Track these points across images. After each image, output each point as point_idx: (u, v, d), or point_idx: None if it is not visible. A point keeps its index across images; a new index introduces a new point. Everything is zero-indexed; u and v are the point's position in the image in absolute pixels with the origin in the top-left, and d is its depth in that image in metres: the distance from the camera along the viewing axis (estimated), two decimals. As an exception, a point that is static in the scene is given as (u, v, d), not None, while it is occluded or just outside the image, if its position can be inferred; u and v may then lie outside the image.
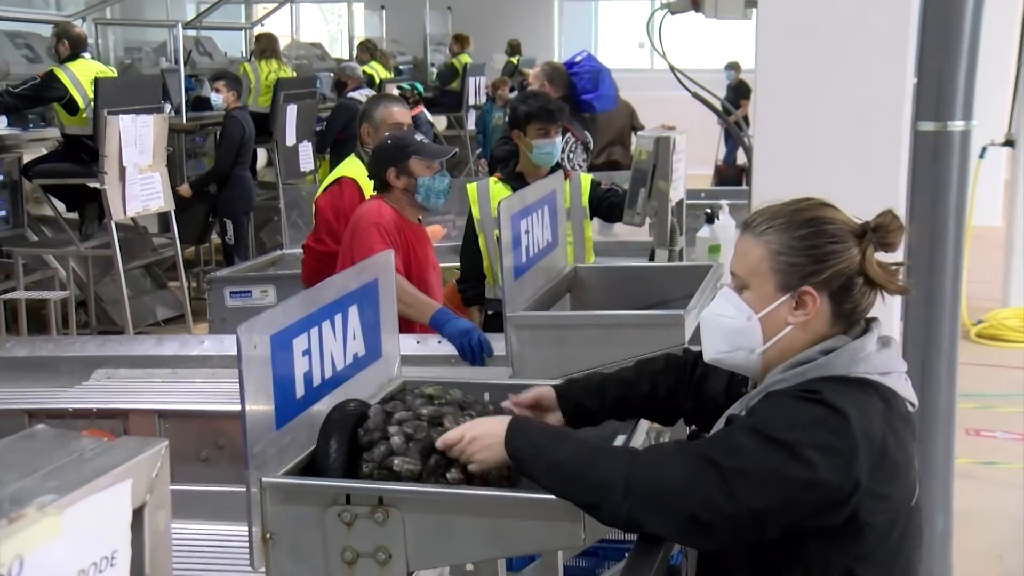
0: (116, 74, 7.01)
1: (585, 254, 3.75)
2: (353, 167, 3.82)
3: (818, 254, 1.61)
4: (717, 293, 1.74)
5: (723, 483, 1.49)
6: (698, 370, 1.88)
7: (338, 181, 3.79)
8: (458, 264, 3.91)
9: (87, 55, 6.51)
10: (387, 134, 3.54)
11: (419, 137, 3.37)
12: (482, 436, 1.65)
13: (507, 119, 3.93)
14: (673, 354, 1.94)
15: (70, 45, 6.27)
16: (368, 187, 3.56)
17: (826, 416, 1.53)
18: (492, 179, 3.82)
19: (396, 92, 8.57)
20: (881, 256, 1.65)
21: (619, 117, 7.53)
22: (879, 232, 1.63)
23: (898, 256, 1.70)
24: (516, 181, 3.65)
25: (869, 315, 1.67)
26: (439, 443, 1.68)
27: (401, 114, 3.90)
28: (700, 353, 1.80)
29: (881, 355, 1.63)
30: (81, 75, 6.15)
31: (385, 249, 2.10)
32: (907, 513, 1.63)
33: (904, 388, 1.66)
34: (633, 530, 1.63)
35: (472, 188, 3.76)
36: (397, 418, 1.73)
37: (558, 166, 3.81)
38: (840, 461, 1.51)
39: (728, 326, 1.66)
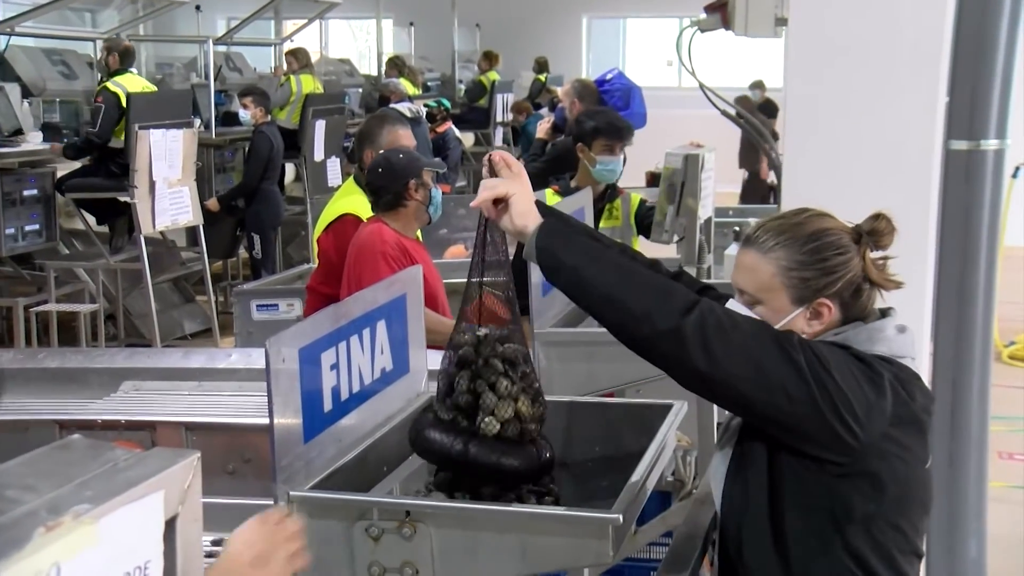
0: (156, 89, 7.09)
1: None
2: (353, 201, 3.60)
3: (828, 267, 1.68)
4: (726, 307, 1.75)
5: (792, 365, 1.56)
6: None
7: (340, 219, 3.57)
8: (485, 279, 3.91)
9: (134, 70, 6.60)
10: (387, 150, 3.45)
11: None
12: (521, 203, 1.64)
13: (573, 132, 3.95)
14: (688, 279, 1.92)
15: (120, 58, 6.38)
16: None
17: (860, 364, 1.62)
18: (549, 191, 3.84)
19: (424, 109, 8.66)
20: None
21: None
22: (873, 236, 1.71)
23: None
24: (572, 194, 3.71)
25: (884, 306, 1.75)
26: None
27: (407, 137, 3.75)
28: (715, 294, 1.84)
29: (898, 339, 1.70)
30: (129, 89, 6.23)
31: None
32: (922, 474, 1.71)
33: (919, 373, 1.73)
34: (666, 344, 1.58)
35: None
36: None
37: (614, 185, 3.84)
38: (866, 410, 1.59)
39: None
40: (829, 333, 1.70)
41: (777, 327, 1.67)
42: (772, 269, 1.68)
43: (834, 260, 1.67)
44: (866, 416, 1.59)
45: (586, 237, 1.70)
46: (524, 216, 1.64)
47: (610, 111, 4.13)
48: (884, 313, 1.73)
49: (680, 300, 1.58)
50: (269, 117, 7.23)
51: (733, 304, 1.73)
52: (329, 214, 3.64)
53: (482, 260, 1.67)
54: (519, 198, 1.64)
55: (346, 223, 3.52)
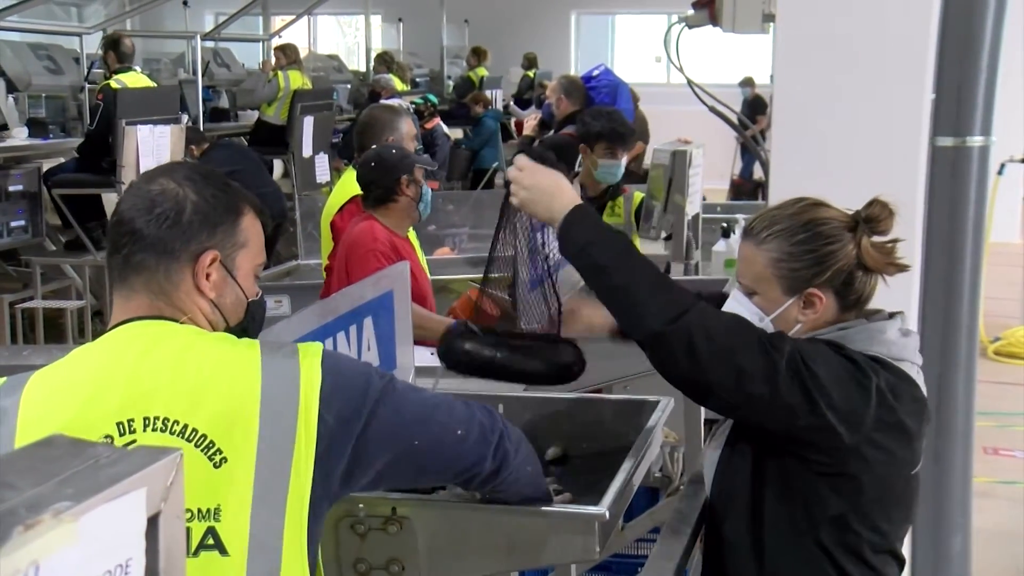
0: (156, 86, 7.07)
1: None
2: None
3: (817, 256, 1.69)
4: (729, 295, 1.81)
5: (772, 371, 1.58)
6: None
7: (353, 200, 3.62)
8: (472, 276, 3.91)
9: (137, 68, 6.58)
10: (381, 145, 3.50)
11: None
12: (541, 195, 1.74)
13: (578, 131, 3.94)
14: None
15: (118, 57, 6.38)
16: None
17: (849, 367, 1.62)
18: None
19: (411, 106, 8.64)
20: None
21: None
22: (871, 223, 1.71)
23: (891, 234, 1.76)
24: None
25: (894, 309, 1.75)
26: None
27: (410, 125, 3.89)
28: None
29: (899, 342, 1.70)
30: (130, 87, 6.20)
31: None
32: (906, 479, 1.71)
33: (917, 378, 1.72)
34: (655, 347, 1.64)
35: None
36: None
37: (618, 185, 3.84)
38: (850, 413, 1.60)
39: None
40: (833, 328, 1.70)
41: (771, 317, 1.70)
42: (764, 260, 1.71)
43: (823, 250, 1.68)
44: (849, 415, 1.60)
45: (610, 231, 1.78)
46: (550, 212, 1.74)
47: (616, 113, 4.10)
48: (893, 316, 1.74)
49: (672, 304, 1.62)
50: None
51: (735, 294, 1.76)
52: (340, 196, 3.71)
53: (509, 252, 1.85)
54: (535, 209, 1.76)
55: (359, 203, 3.58)
